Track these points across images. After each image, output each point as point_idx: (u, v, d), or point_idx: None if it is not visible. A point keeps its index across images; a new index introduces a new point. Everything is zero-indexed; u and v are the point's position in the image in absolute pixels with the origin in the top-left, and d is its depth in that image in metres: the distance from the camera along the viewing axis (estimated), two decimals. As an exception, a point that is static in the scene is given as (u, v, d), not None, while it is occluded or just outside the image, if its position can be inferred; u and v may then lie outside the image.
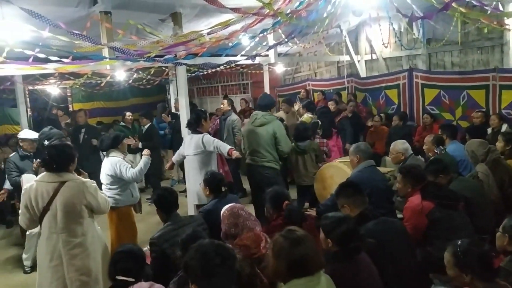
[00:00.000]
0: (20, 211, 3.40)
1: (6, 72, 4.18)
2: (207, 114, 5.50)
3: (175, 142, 7.76)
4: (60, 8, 4.34)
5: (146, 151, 4.74)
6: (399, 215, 3.88)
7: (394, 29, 7.30)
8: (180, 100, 5.86)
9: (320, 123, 6.44)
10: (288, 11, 4.01)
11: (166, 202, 3.52)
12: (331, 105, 8.17)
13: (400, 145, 4.79)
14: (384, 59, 9.42)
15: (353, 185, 3.37)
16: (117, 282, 2.67)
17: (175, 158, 5.48)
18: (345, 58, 9.68)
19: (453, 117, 7.53)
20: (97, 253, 3.41)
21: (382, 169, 5.51)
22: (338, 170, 5.16)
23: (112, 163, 4.54)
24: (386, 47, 8.71)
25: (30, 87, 9.93)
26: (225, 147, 4.85)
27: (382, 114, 8.16)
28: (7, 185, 5.45)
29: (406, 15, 5.21)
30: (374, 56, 9.60)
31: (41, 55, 4.21)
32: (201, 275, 2.01)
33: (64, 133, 6.96)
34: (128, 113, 8.71)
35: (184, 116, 5.69)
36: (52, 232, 3.26)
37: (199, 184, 4.40)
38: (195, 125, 5.07)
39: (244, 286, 2.47)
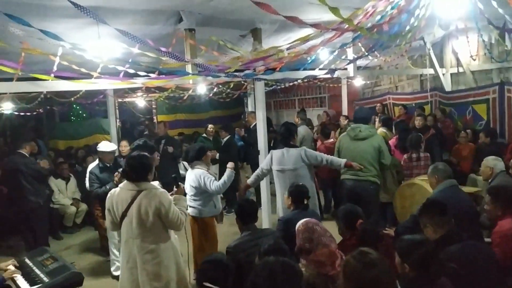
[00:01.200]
0: (106, 213, 3.63)
1: (99, 86, 4.49)
2: (297, 128, 5.47)
3: (250, 155, 7.90)
4: (148, 26, 4.60)
5: (230, 164, 4.76)
6: (487, 239, 3.61)
7: (483, 40, 6.87)
8: (257, 114, 5.95)
9: (422, 136, 6.10)
10: (369, 25, 3.94)
11: (246, 213, 3.60)
12: (419, 121, 7.53)
13: (490, 160, 4.57)
14: (472, 72, 8.88)
15: (438, 204, 3.20)
16: None
17: (251, 180, 5.27)
18: (429, 71, 9.28)
19: (551, 135, 6.90)
20: (170, 262, 3.46)
21: (467, 189, 5.20)
22: (419, 188, 4.93)
23: (196, 175, 4.66)
24: (474, 59, 8.24)
25: (120, 100, 10.65)
26: (338, 160, 4.88)
27: (468, 130, 7.67)
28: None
29: (498, 27, 4.89)
30: (460, 69, 9.10)
31: (131, 71, 4.51)
32: None
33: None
34: (210, 125, 8.98)
35: (261, 129, 5.75)
36: (129, 237, 3.43)
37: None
38: (288, 139, 5.02)
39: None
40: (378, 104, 10.27)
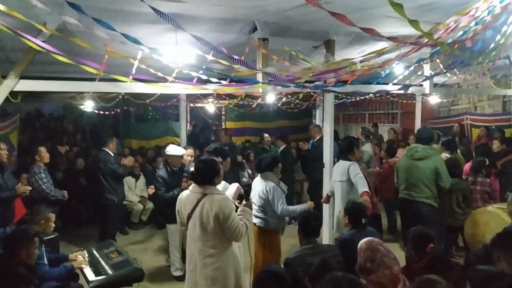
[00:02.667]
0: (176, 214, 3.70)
1: (173, 90, 4.64)
2: (360, 142, 5.38)
3: (310, 168, 7.78)
4: (223, 35, 4.70)
5: (310, 204, 4.67)
6: None
7: None
8: (325, 126, 5.86)
9: (487, 161, 5.78)
10: (450, 40, 3.75)
11: (309, 226, 3.55)
12: (495, 144, 7.15)
13: None
14: None
15: (514, 236, 2.95)
16: None
17: (329, 190, 5.29)
18: (513, 92, 8.66)
19: None
20: (228, 269, 3.42)
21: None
22: (494, 217, 4.61)
23: (267, 187, 4.57)
24: None
25: (191, 104, 11.01)
26: (361, 188, 4.53)
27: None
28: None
29: None
30: (550, 92, 8.39)
31: (204, 77, 4.64)
32: None
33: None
34: (266, 135, 9.04)
35: (328, 142, 5.66)
36: (192, 239, 3.46)
37: (339, 212, 4.30)
38: (346, 152, 4.97)
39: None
40: (456, 125, 9.78)
